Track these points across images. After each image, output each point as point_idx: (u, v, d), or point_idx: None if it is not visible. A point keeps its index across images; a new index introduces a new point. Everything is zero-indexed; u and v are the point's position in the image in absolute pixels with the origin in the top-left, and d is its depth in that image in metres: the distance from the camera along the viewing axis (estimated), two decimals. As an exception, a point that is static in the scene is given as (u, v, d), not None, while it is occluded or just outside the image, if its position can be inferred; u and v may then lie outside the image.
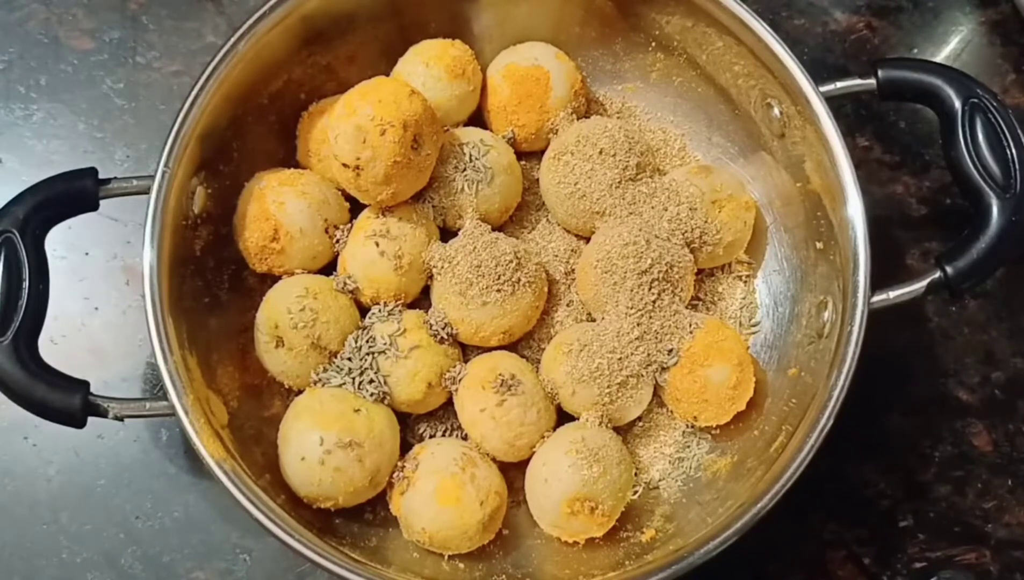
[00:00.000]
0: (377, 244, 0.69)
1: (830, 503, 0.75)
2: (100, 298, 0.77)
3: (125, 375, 0.76)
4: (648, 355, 0.69)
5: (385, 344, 0.68)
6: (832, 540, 0.74)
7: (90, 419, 0.63)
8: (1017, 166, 0.66)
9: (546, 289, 0.72)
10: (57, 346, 0.62)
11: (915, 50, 0.87)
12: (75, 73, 0.83)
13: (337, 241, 0.72)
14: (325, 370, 0.69)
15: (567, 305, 0.73)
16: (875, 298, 0.64)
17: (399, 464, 0.67)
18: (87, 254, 0.78)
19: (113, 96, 0.83)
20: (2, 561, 0.72)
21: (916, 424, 0.77)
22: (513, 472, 0.69)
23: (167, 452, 0.74)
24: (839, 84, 0.68)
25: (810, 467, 0.61)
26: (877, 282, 0.64)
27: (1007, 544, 0.75)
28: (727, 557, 0.60)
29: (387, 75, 0.74)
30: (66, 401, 0.62)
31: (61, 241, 0.76)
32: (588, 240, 0.73)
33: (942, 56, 0.87)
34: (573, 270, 0.74)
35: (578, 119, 0.75)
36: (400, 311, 0.70)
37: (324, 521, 0.65)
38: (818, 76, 0.67)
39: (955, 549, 0.74)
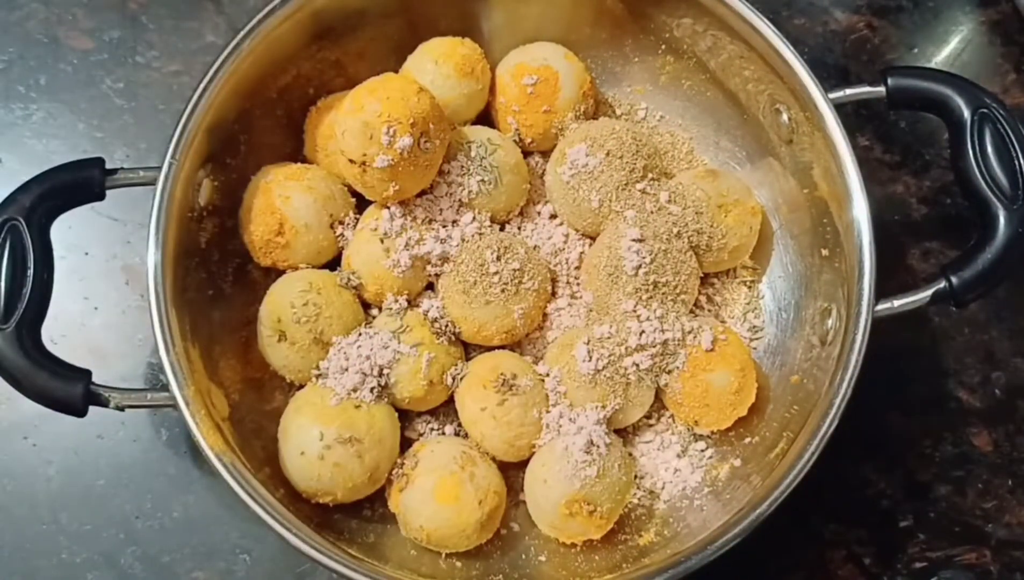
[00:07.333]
0: (382, 240, 0.69)
1: (830, 503, 0.74)
2: (100, 298, 0.77)
3: (125, 375, 0.75)
4: (651, 358, 0.68)
5: (387, 341, 0.68)
6: (832, 540, 0.74)
7: (90, 419, 0.63)
8: (1026, 176, 0.66)
9: (549, 289, 0.72)
10: (57, 346, 0.62)
11: (915, 50, 0.87)
12: (75, 73, 0.83)
13: (342, 237, 0.72)
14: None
15: (570, 306, 0.73)
16: (879, 306, 0.64)
17: (399, 461, 0.67)
18: (87, 254, 0.78)
19: (113, 96, 0.82)
20: (2, 561, 0.71)
21: (916, 424, 0.77)
22: (513, 472, 0.69)
23: (167, 452, 0.74)
24: (848, 91, 0.68)
25: (810, 467, 0.61)
26: (879, 283, 0.64)
27: (1007, 544, 0.75)
28: (727, 556, 0.60)
29: (396, 72, 0.74)
30: (68, 389, 0.62)
31: (61, 241, 0.75)
32: (593, 240, 0.73)
33: (942, 56, 0.87)
34: (577, 271, 0.74)
35: (586, 120, 0.75)
36: (403, 308, 0.70)
37: (322, 516, 0.65)
38: (818, 76, 0.67)
39: (955, 549, 0.74)
